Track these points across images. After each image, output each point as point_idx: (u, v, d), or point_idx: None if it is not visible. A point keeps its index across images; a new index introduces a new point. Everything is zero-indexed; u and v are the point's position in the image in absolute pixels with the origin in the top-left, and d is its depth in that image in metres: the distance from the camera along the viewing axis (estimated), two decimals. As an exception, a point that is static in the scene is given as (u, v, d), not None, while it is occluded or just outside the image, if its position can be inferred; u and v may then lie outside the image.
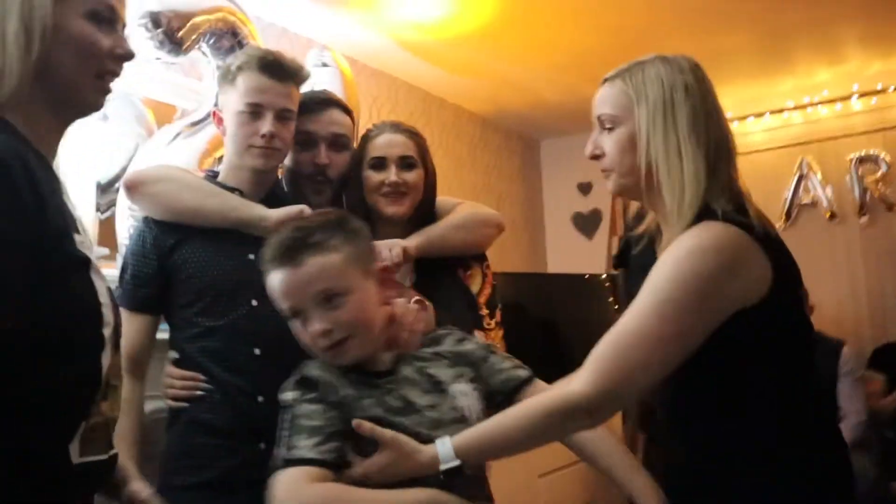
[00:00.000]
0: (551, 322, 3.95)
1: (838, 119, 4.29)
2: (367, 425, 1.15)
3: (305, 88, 1.70)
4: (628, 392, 1.17)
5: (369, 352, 1.24)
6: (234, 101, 1.55)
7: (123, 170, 2.21)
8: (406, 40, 3.39)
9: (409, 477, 1.16)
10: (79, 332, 0.94)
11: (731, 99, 4.44)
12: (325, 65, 2.67)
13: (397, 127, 1.73)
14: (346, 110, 1.79)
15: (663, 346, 1.12)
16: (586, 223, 5.04)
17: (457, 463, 1.15)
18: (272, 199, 1.60)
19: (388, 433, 1.16)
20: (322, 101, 1.75)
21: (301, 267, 1.18)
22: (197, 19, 2.10)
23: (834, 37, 3.64)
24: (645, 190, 1.26)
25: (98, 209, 2.23)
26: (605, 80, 1.30)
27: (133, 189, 1.57)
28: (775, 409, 1.18)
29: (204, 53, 2.23)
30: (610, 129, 1.27)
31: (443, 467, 1.15)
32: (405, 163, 1.68)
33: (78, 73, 0.98)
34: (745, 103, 4.39)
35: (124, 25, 1.05)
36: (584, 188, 5.06)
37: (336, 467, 1.14)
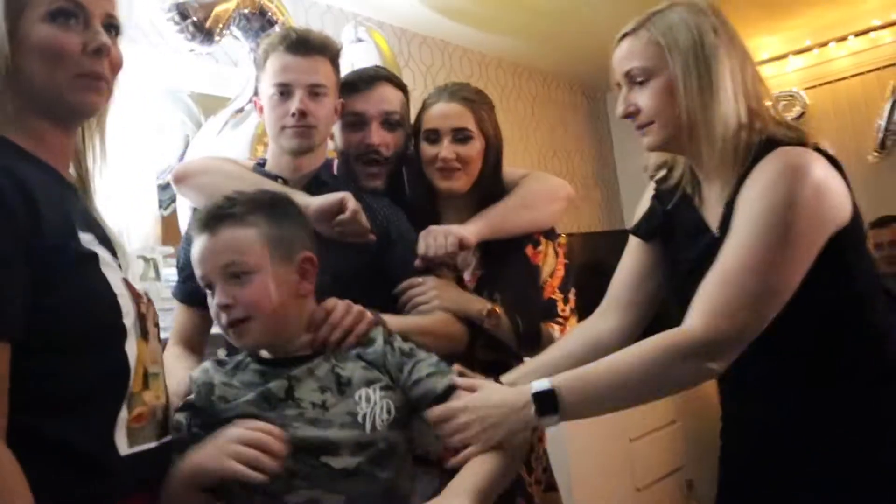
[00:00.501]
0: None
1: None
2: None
3: (344, 63, 1.63)
4: (744, 329, 1.10)
5: (271, 339, 1.17)
6: (265, 86, 1.52)
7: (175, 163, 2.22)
8: (454, 4, 3.28)
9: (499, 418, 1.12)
10: (96, 324, 0.93)
11: (808, 27, 4.14)
12: (359, 40, 2.59)
13: (454, 93, 1.61)
14: (398, 84, 1.69)
15: (775, 275, 1.09)
16: (662, 174, 4.83)
17: (548, 387, 1.12)
18: (316, 184, 1.54)
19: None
20: (370, 78, 1.66)
21: (215, 236, 1.15)
22: (222, 6, 2.05)
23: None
24: (686, 140, 1.23)
25: (160, 206, 2.25)
26: (626, 35, 1.27)
27: (179, 181, 1.57)
28: (870, 357, 1.16)
29: (236, 37, 2.20)
30: (642, 83, 1.23)
31: (534, 390, 1.12)
32: (459, 136, 1.57)
33: (52, 80, 0.94)
34: (825, 29, 4.07)
35: (108, 16, 0.99)
36: (657, 137, 4.84)
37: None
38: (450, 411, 1.14)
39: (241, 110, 2.16)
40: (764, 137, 1.17)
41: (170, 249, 2.04)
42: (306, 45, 1.49)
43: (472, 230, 1.52)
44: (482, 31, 3.65)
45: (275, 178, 1.53)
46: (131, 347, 0.97)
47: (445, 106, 1.59)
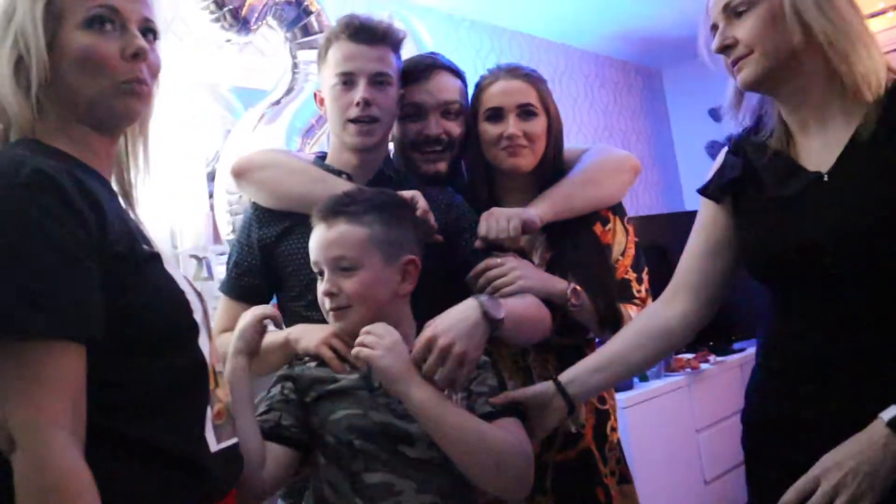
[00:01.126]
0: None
1: None
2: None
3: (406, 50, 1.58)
4: None
5: (362, 325, 1.23)
6: (327, 76, 1.47)
7: (216, 160, 2.20)
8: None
9: None
10: (171, 323, 0.94)
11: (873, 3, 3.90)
12: None
13: (514, 71, 1.56)
14: (456, 72, 1.65)
15: None
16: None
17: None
18: (381, 179, 1.51)
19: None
20: (428, 67, 1.61)
21: (331, 229, 1.24)
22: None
23: None
24: (787, 74, 1.13)
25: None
26: None
27: (240, 176, 1.53)
28: None
29: (270, 26, 2.15)
30: (742, 13, 1.14)
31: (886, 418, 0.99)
32: (524, 111, 1.52)
33: (93, 88, 0.94)
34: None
35: (145, 20, 0.98)
36: (717, 113, 4.65)
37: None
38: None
39: (277, 102, 2.11)
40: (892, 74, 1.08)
41: (221, 248, 2.02)
42: (370, 33, 1.44)
43: (536, 212, 1.46)
44: (531, 12, 3.55)
45: (338, 173, 1.49)
46: (204, 344, 0.98)
47: (507, 83, 1.53)
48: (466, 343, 1.16)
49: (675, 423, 3.04)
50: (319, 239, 1.25)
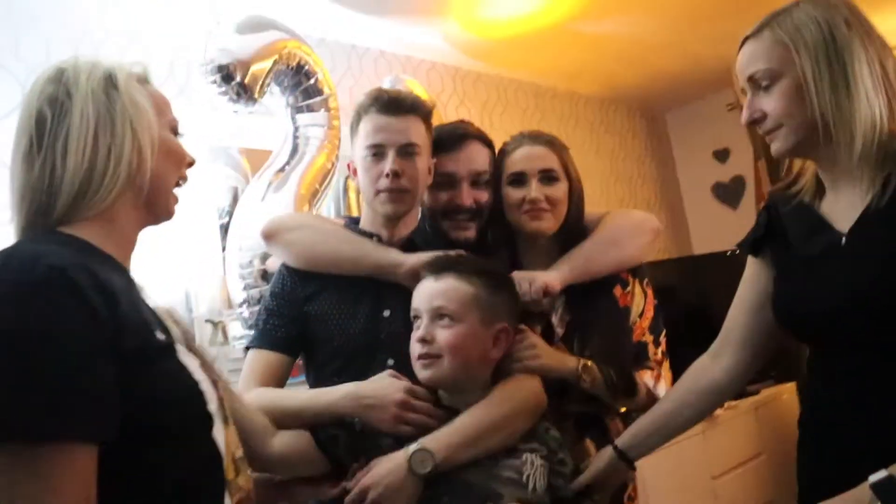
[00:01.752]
0: (705, 306, 3.67)
1: None
2: None
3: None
4: None
5: (450, 383, 1.31)
6: (359, 148, 1.51)
7: (225, 217, 2.25)
8: (505, 37, 3.25)
9: None
10: (184, 415, 0.94)
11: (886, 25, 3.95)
12: None
13: (536, 138, 1.60)
14: (486, 142, 1.68)
15: None
16: (729, 193, 4.66)
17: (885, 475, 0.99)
18: (410, 247, 1.53)
19: None
20: (460, 137, 1.64)
21: (437, 281, 1.32)
22: (259, 65, 2.05)
23: None
24: (816, 144, 1.16)
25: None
26: (748, 38, 1.21)
27: (270, 237, 1.56)
28: None
29: (272, 93, 2.20)
30: (768, 87, 1.17)
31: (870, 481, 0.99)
32: (546, 176, 1.55)
33: (169, 182, 1.05)
34: (892, 35, 3.88)
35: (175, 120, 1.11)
36: (721, 155, 4.69)
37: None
38: None
39: (282, 169, 2.16)
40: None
41: (234, 312, 2.05)
42: (398, 105, 1.48)
43: (556, 276, 1.48)
44: (535, 62, 3.61)
45: (370, 235, 1.52)
46: (219, 433, 0.98)
47: (530, 149, 1.57)
48: (390, 499, 1.20)
49: (691, 470, 3.02)
50: (426, 289, 1.32)
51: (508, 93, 3.74)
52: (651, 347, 1.57)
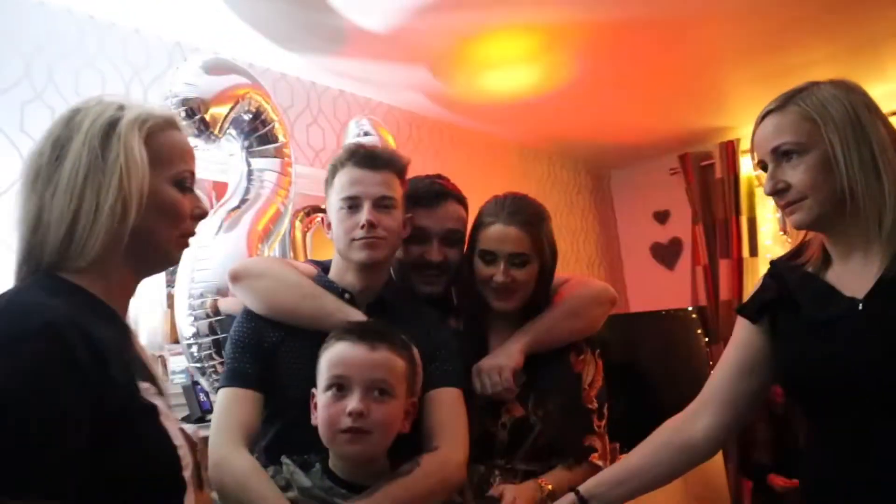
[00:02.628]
0: (635, 362, 3.74)
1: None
2: None
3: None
4: None
5: (370, 459, 1.29)
6: (334, 201, 1.51)
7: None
8: (464, 88, 3.31)
9: None
10: (157, 478, 0.93)
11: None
12: (366, 134, 2.60)
13: (513, 215, 1.57)
14: (460, 200, 1.73)
15: None
16: (666, 253, 4.82)
17: None
18: (379, 304, 1.53)
19: None
20: (437, 195, 1.69)
21: (374, 351, 1.28)
22: (220, 108, 2.05)
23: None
24: (838, 217, 1.20)
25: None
26: (770, 112, 1.25)
27: (235, 280, 1.55)
28: None
29: (231, 135, 2.20)
30: (792, 159, 1.21)
31: None
32: (516, 260, 1.55)
33: (167, 236, 1.02)
34: None
35: (192, 174, 1.09)
36: (661, 217, 4.85)
37: None
38: None
39: (237, 208, 2.14)
40: None
41: (178, 347, 1.99)
42: (374, 160, 1.50)
43: (518, 353, 1.52)
44: (488, 115, 3.69)
45: (341, 291, 1.51)
46: (190, 499, 0.98)
47: (504, 229, 1.56)
48: None
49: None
50: (360, 358, 1.27)
51: (461, 141, 3.80)
52: (595, 420, 1.58)
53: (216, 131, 2.02)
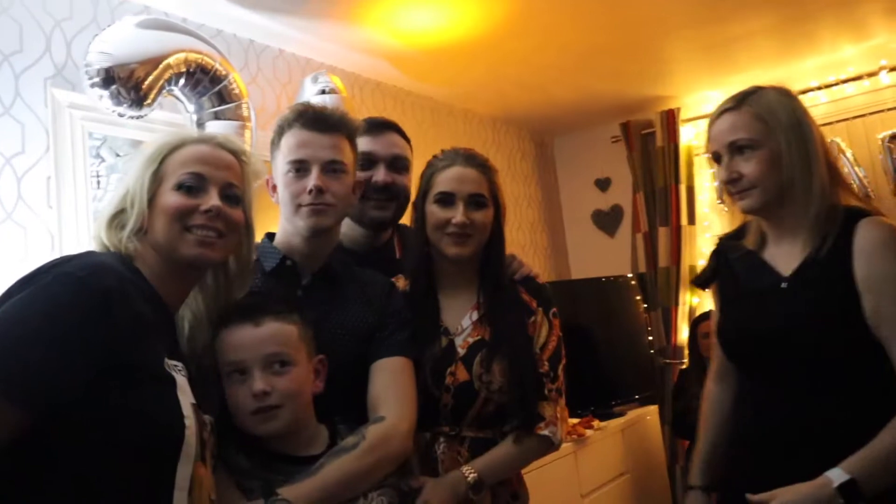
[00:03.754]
0: (578, 328, 3.79)
1: (867, 96, 4.06)
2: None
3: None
4: None
5: (291, 429, 1.26)
6: (280, 163, 1.44)
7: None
8: (407, 50, 3.24)
9: None
10: (156, 439, 1.01)
11: (750, 83, 4.23)
12: (323, 91, 2.51)
13: (469, 159, 1.56)
14: (405, 137, 1.79)
15: None
16: (607, 220, 4.87)
17: (847, 477, 1.21)
18: (328, 273, 1.48)
19: None
20: (381, 125, 1.77)
21: (260, 327, 1.25)
22: (156, 69, 1.92)
23: (858, 12, 3.44)
24: (777, 205, 1.43)
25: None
26: (727, 111, 1.46)
27: None
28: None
29: (178, 98, 2.07)
30: (745, 153, 1.42)
31: (835, 483, 1.21)
32: (475, 201, 1.52)
33: (167, 233, 1.14)
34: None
35: (227, 185, 1.20)
36: (603, 184, 4.89)
37: None
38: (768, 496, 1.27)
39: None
40: (842, 206, 1.40)
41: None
42: (324, 122, 1.43)
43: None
44: (433, 77, 3.62)
45: (282, 259, 1.45)
46: (185, 469, 1.03)
47: (462, 170, 1.54)
48: None
49: (563, 489, 3.09)
50: (248, 338, 1.23)
51: (406, 105, 3.73)
52: (548, 384, 1.54)
53: (147, 100, 1.90)
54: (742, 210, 1.47)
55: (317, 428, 1.30)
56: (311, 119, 1.42)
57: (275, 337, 1.25)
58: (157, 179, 1.17)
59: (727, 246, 1.58)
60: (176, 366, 1.10)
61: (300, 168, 1.41)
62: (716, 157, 1.49)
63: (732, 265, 1.53)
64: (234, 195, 1.21)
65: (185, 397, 1.06)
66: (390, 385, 1.38)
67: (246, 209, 1.24)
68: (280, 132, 1.45)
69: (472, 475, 1.42)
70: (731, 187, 1.45)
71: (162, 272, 1.15)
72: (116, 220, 1.16)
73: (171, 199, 1.15)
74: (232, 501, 1.18)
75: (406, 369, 1.42)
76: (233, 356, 1.24)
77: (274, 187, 1.48)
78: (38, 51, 2.16)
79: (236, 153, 1.25)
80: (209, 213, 1.15)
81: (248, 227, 1.27)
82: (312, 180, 1.39)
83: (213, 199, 1.16)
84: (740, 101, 1.44)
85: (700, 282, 1.64)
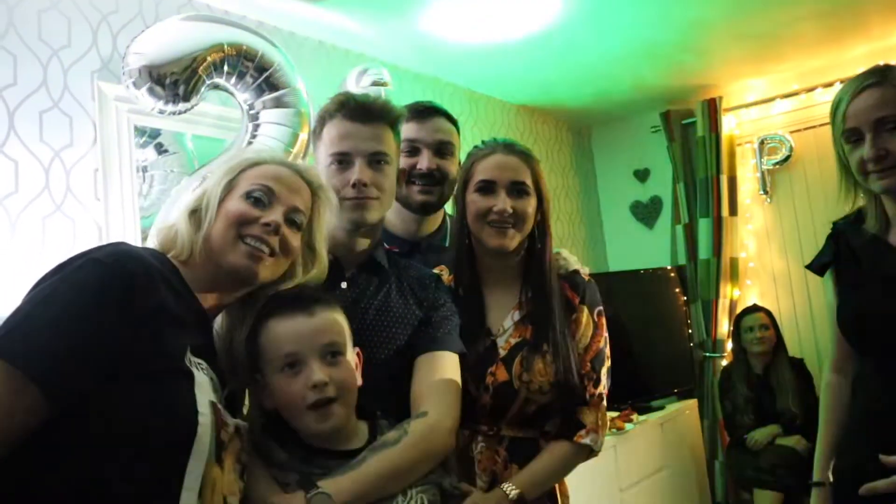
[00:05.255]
0: (616, 321, 3.74)
1: (919, 82, 3.95)
2: None
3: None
4: None
5: (345, 424, 1.24)
6: (322, 155, 1.42)
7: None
8: (447, 41, 3.21)
9: None
10: (167, 431, 0.99)
11: (794, 71, 4.16)
12: (376, 83, 2.50)
13: (510, 147, 1.53)
14: (452, 120, 1.79)
15: None
16: (646, 212, 4.80)
17: None
18: (371, 266, 1.46)
19: None
20: (426, 110, 1.76)
21: (314, 316, 1.21)
22: (193, 63, 1.91)
23: (912, -5, 3.34)
24: None
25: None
26: (870, 85, 1.40)
27: None
28: None
29: (228, 90, 2.06)
30: (893, 129, 1.38)
31: None
32: (516, 189, 1.48)
33: (222, 237, 1.15)
34: (812, 73, 4.10)
35: (293, 209, 1.21)
36: (642, 175, 4.82)
37: None
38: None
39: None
40: None
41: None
42: (366, 112, 1.40)
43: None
44: (470, 67, 3.60)
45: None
46: (196, 468, 1.01)
47: (503, 158, 1.50)
48: None
49: (603, 482, 3.07)
50: (304, 328, 1.20)
51: (444, 95, 3.71)
52: (590, 388, 1.49)
53: (187, 96, 1.90)
54: (881, 189, 1.42)
55: (357, 423, 1.27)
56: (354, 109, 1.40)
57: (330, 326, 1.22)
58: (229, 187, 1.19)
59: (847, 230, 1.55)
60: (199, 363, 1.08)
61: (343, 160, 1.39)
62: (853, 135, 1.43)
63: (855, 250, 1.51)
64: (298, 221, 1.21)
65: (203, 394, 1.05)
66: (434, 380, 1.35)
67: (314, 240, 1.26)
68: (322, 123, 1.44)
69: (514, 492, 1.38)
70: (875, 165, 1.40)
71: (207, 277, 1.15)
72: (194, 216, 1.17)
73: (236, 205, 1.17)
74: (269, 494, 1.15)
75: (450, 364, 1.39)
76: (286, 348, 1.20)
77: None
78: (86, 45, 2.18)
79: (313, 185, 1.26)
80: (267, 228, 1.15)
81: (313, 254, 1.28)
82: (355, 174, 1.37)
83: (275, 215, 1.16)
84: (883, 76, 1.40)
85: (817, 267, 1.60)
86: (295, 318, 1.20)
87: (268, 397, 1.22)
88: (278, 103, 2.07)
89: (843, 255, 1.53)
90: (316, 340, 1.20)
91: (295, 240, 1.20)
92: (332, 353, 1.21)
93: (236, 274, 1.15)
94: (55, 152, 2.07)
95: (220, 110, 2.39)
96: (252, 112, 2.06)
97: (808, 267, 1.63)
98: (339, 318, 1.25)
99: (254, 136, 2.05)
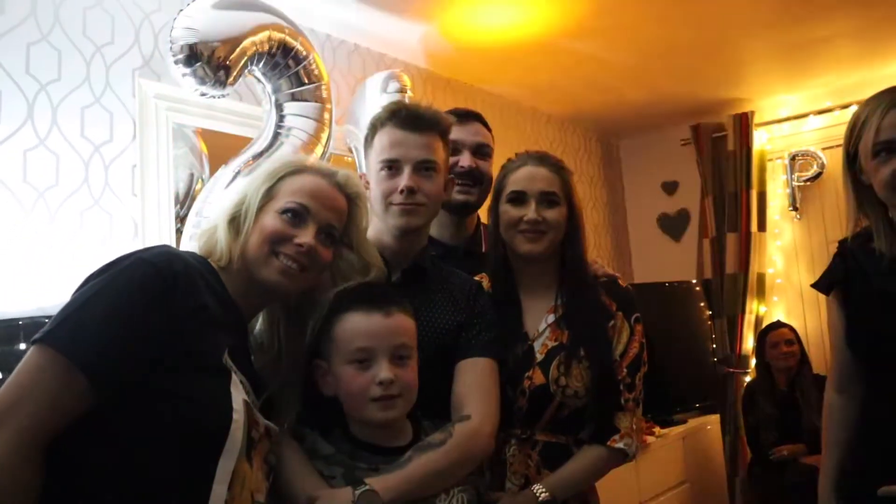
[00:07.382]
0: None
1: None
2: None
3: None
4: None
5: (402, 416, 1.29)
6: (373, 162, 1.47)
7: (181, 198, 2.21)
8: (480, 47, 3.23)
9: None
10: (202, 427, 1.02)
11: (828, 87, 4.13)
12: (401, 91, 2.53)
13: (541, 159, 1.59)
14: (488, 126, 1.91)
15: None
16: (673, 224, 4.78)
17: None
18: (416, 270, 1.50)
19: None
20: (467, 114, 1.88)
21: (390, 317, 1.26)
22: (239, 46, 1.93)
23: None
24: None
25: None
26: None
27: None
28: None
29: (258, 79, 2.09)
30: None
31: None
32: (546, 199, 1.53)
33: (256, 251, 1.19)
34: (846, 90, 4.07)
35: (328, 224, 1.23)
36: (669, 187, 4.80)
37: None
38: None
39: (259, 155, 2.06)
40: None
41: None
42: (417, 121, 1.43)
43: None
44: (502, 76, 3.61)
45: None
46: (227, 462, 1.04)
47: (533, 169, 1.56)
48: None
49: (621, 495, 3.05)
50: (379, 326, 1.25)
51: (476, 101, 3.72)
52: (625, 393, 1.51)
53: (229, 78, 1.92)
54: None
55: (404, 421, 1.31)
56: (405, 118, 1.43)
57: (404, 328, 1.27)
58: (268, 196, 1.22)
59: (853, 247, 1.52)
60: (235, 365, 1.12)
61: (392, 167, 1.42)
62: (885, 148, 1.38)
63: (864, 268, 1.48)
64: (332, 235, 1.25)
65: (238, 393, 1.08)
66: (475, 385, 1.39)
67: (357, 247, 1.31)
68: (373, 130, 1.47)
69: (543, 494, 1.41)
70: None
71: (243, 284, 1.19)
72: (233, 224, 1.21)
73: (271, 221, 1.20)
74: (314, 486, 1.19)
75: (491, 370, 1.42)
76: (360, 342, 1.25)
77: (367, 184, 1.49)
78: (128, 42, 2.23)
79: (351, 196, 1.29)
80: (300, 249, 1.18)
81: (361, 260, 1.33)
82: (404, 180, 1.41)
83: (308, 236, 1.19)
84: None
85: (825, 285, 1.57)
86: (372, 315, 1.25)
87: (330, 383, 1.28)
88: (303, 96, 2.12)
89: (852, 274, 1.50)
90: (389, 341, 1.25)
91: (326, 253, 1.24)
92: (402, 356, 1.25)
93: (268, 288, 1.20)
94: (95, 147, 2.11)
95: (249, 109, 2.43)
96: (277, 103, 2.10)
97: (815, 285, 1.59)
98: (412, 323, 1.29)
99: (279, 128, 2.09)
